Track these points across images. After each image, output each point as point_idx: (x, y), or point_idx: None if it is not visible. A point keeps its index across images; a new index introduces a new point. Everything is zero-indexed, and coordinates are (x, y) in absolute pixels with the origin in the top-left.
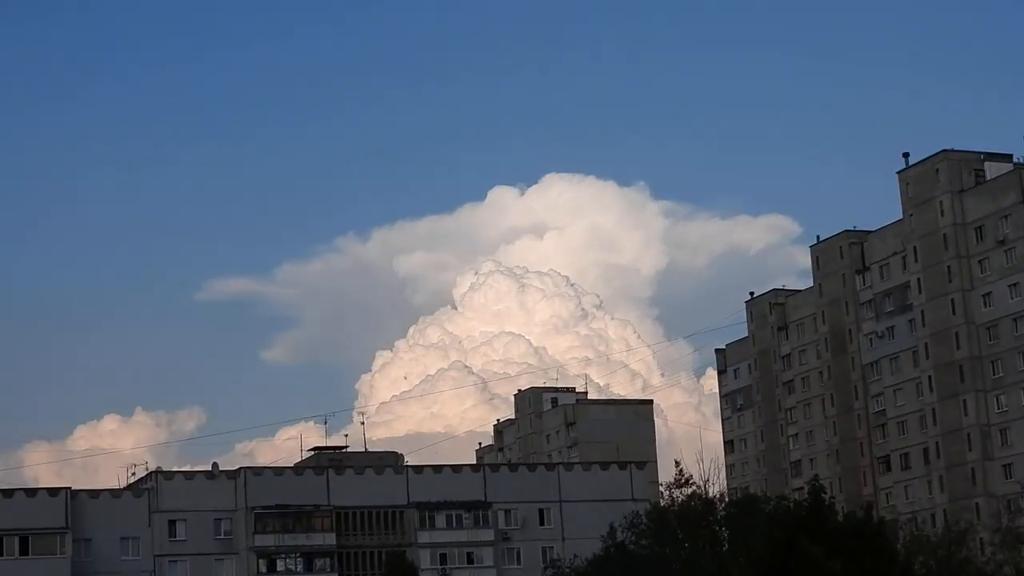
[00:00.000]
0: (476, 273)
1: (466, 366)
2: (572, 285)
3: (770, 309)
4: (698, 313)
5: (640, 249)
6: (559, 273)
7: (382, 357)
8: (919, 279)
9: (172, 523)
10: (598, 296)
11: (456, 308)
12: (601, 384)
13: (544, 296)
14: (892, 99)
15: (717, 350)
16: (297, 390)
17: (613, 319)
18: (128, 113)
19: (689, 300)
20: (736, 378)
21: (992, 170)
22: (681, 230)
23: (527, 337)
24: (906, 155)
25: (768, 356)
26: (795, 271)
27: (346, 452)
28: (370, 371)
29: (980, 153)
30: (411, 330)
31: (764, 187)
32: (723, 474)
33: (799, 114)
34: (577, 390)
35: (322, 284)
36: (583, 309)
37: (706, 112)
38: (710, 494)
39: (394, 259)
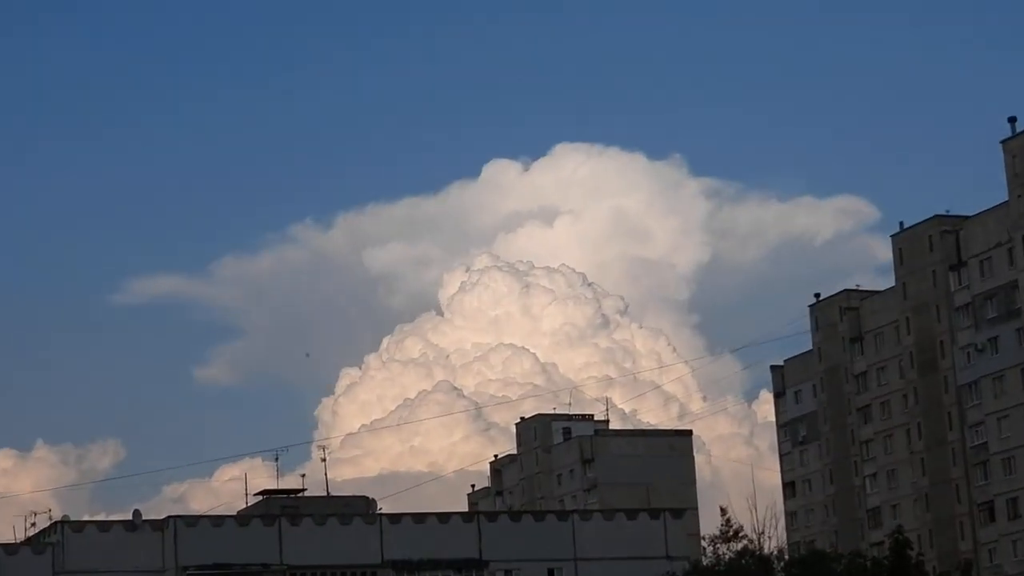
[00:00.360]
0: (468, 270)
1: (455, 388)
2: (589, 285)
3: (841, 315)
4: (749, 321)
5: (675, 239)
6: (573, 270)
7: (349, 376)
8: None
9: None
10: (623, 299)
11: (442, 314)
12: (627, 411)
13: (554, 299)
14: (993, 55)
15: (773, 367)
16: (241, 418)
17: (641, 328)
18: (34, 81)
19: (738, 304)
20: (798, 403)
21: None
22: (728, 215)
23: (532, 351)
24: (1012, 120)
25: (838, 375)
26: (872, 267)
27: (303, 497)
28: (333, 394)
29: None
30: (385, 342)
31: (833, 161)
32: (782, 524)
33: (876, 72)
34: (596, 418)
35: (272, 284)
36: (603, 315)
37: (760, 68)
38: (765, 550)
39: (364, 252)
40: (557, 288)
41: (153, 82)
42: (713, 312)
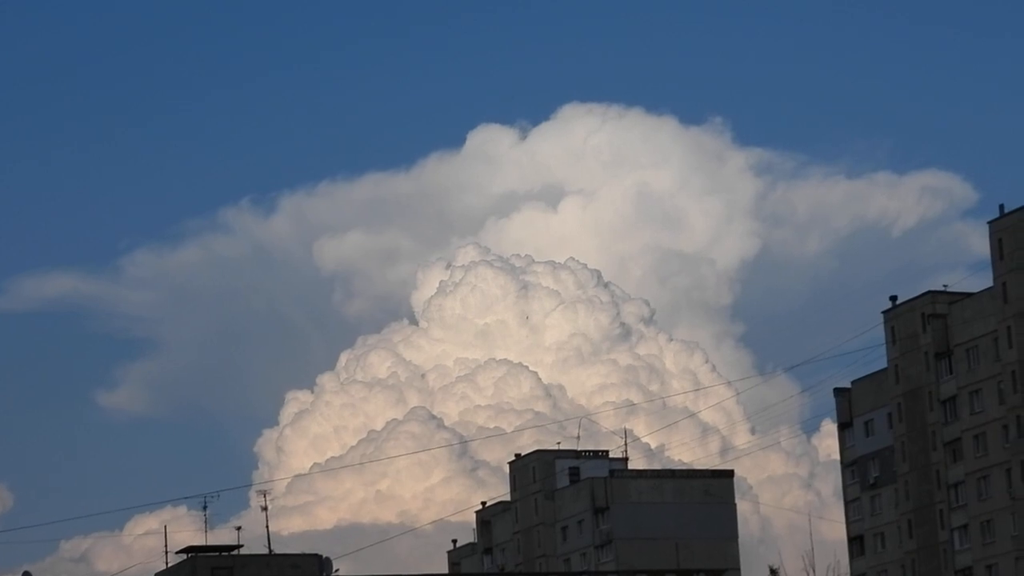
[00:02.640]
0: (449, 266)
1: (433, 416)
2: (606, 285)
3: (924, 324)
4: (808, 331)
5: (715, 227)
6: (584, 266)
7: (297, 401)
8: None
9: None
10: (647, 304)
11: (416, 323)
12: (652, 445)
13: (560, 303)
14: None
15: (838, 391)
16: (158, 456)
17: (672, 341)
18: None
19: (794, 310)
20: (869, 435)
21: None
22: (782, 197)
23: (532, 369)
24: None
25: (920, 400)
26: (966, 262)
27: (239, 556)
28: (277, 425)
29: None
30: (344, 358)
31: (916, 128)
32: None
33: (971, 20)
34: (612, 455)
35: (198, 284)
36: (623, 324)
37: (819, 8)
38: None
39: (315, 243)
40: (564, 289)
41: (56, 40)
42: (762, 321)
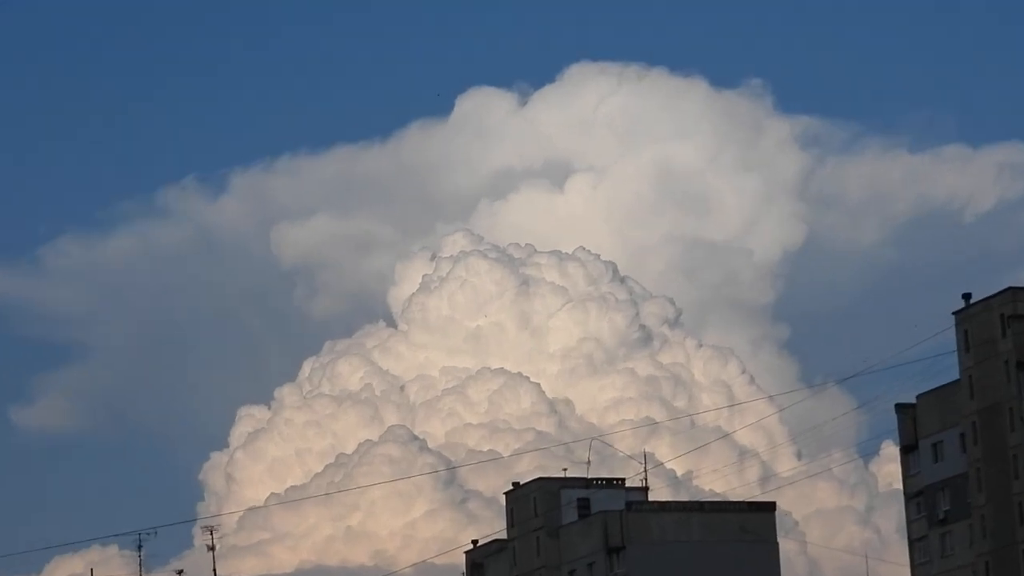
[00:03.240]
0: (434, 257)
1: (415, 437)
2: (622, 280)
3: (1004, 327)
4: (864, 335)
5: (753, 210)
6: (597, 257)
7: (251, 418)
8: None
9: None
10: (672, 302)
11: (395, 325)
12: (677, 473)
13: (567, 302)
14: None
15: (900, 407)
16: (85, 483)
17: (701, 347)
18: None
19: (847, 310)
20: (938, 460)
21: None
22: (832, 174)
23: (533, 380)
24: None
25: (999, 417)
26: None
27: None
28: (227, 447)
29: None
30: (307, 367)
31: (993, 93)
32: None
33: None
34: (629, 484)
35: (131, 278)
36: (643, 327)
37: None
38: None
39: (273, 229)
40: (572, 284)
41: None
42: (809, 322)
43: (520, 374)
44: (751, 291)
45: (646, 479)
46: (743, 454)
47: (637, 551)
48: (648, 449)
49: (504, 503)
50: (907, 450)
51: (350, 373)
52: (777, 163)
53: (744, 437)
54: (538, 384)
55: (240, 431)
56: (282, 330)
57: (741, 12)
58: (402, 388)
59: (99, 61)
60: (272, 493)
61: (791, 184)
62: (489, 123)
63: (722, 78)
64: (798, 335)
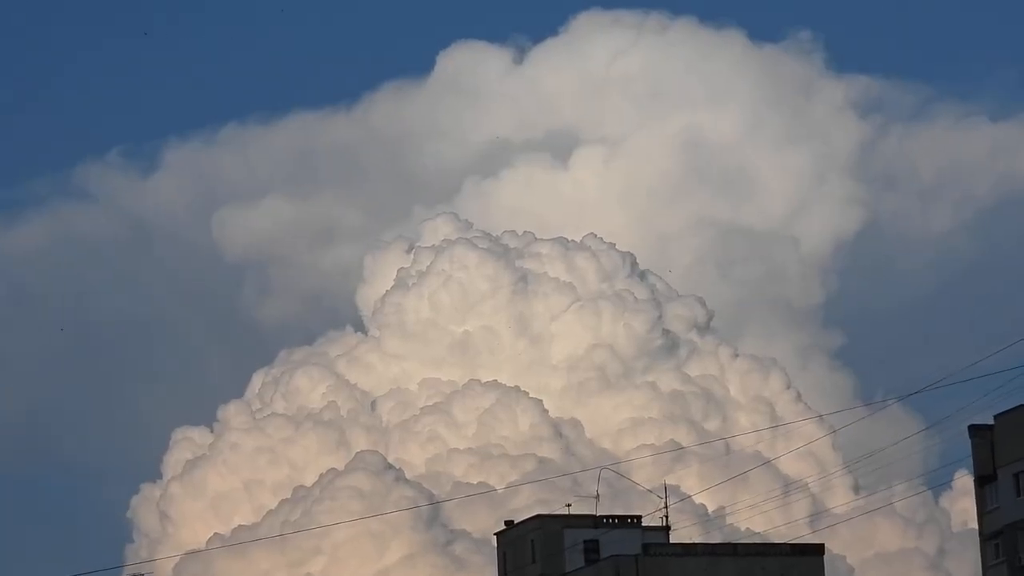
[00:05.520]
0: (411, 248)
1: (390, 465)
2: (641, 276)
3: None
4: (933, 342)
5: (800, 191)
6: (611, 246)
7: (189, 443)
8: None
9: None
10: (702, 302)
11: (364, 330)
12: (708, 508)
13: (575, 301)
14: None
15: (975, 428)
16: None
17: (737, 356)
18: None
19: (912, 312)
20: (1020, 494)
21: None
22: (896, 147)
23: (533, 396)
24: None
25: None
26: None
27: None
28: (159, 478)
29: None
30: (258, 381)
31: None
32: None
33: None
34: (647, 522)
35: (41, 273)
36: (666, 331)
37: None
38: None
39: (216, 215)
40: (580, 280)
41: None
42: (867, 328)
43: (517, 389)
44: (798, 289)
45: (667, 516)
46: (787, 486)
47: None
48: (671, 480)
49: (496, 547)
50: (983, 481)
51: (310, 388)
52: (830, 134)
53: (789, 465)
54: (539, 401)
55: (176, 458)
56: (227, 336)
57: None
58: (373, 406)
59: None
60: (215, 534)
61: (846, 160)
62: (478, 85)
63: (763, 30)
64: (854, 343)
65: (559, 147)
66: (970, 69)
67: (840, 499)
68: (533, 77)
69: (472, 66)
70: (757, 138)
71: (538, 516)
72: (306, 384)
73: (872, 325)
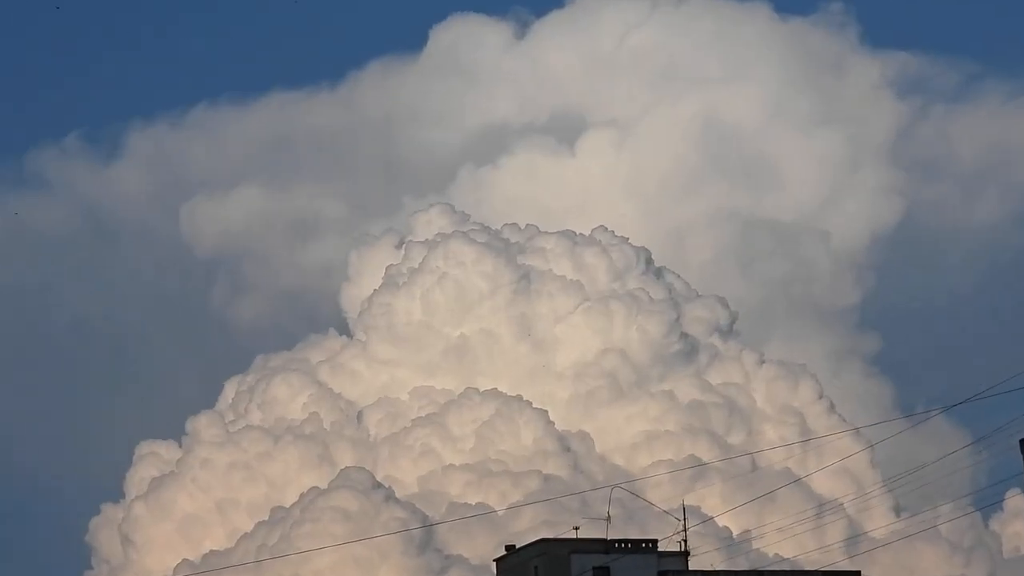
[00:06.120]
0: (402, 242)
1: (378, 483)
2: (657, 273)
3: None
4: (979, 347)
5: (832, 180)
6: (624, 240)
7: (155, 458)
8: None
9: None
10: (724, 303)
11: (349, 333)
12: (733, 532)
13: (583, 301)
14: None
15: None
16: None
17: (763, 363)
18: None
19: (956, 314)
20: None
21: None
22: (938, 130)
23: (537, 407)
24: None
25: None
26: None
27: None
28: (122, 498)
29: None
30: (231, 389)
31: None
32: None
33: None
34: (664, 546)
35: None
36: (685, 335)
37: None
38: None
39: (184, 206)
40: (588, 278)
41: None
42: (907, 331)
43: (519, 398)
44: (829, 288)
45: (686, 540)
46: (820, 507)
47: None
48: (690, 500)
49: (495, 573)
50: None
51: (289, 398)
52: (864, 117)
53: (821, 484)
54: (544, 412)
55: (140, 475)
56: (197, 340)
57: None
58: (359, 418)
59: None
60: (184, 560)
61: (882, 145)
62: (475, 63)
63: (790, 2)
64: (892, 347)
65: (564, 131)
66: (1019, 44)
67: (879, 521)
68: (536, 54)
69: (469, 42)
70: (783, 121)
71: (542, 540)
72: (285, 393)
73: (912, 327)
